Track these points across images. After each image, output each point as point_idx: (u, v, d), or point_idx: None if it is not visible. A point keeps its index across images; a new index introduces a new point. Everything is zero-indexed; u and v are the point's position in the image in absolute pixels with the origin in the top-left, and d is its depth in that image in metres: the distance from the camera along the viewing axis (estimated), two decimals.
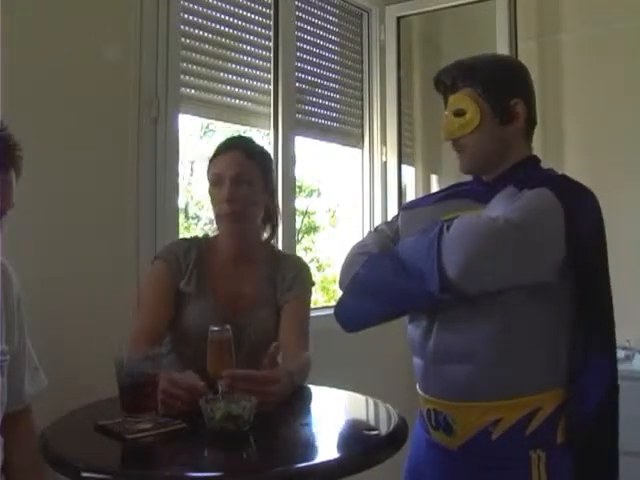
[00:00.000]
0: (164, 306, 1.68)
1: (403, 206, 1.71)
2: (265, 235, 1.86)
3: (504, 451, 1.40)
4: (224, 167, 1.73)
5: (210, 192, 1.75)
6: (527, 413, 1.39)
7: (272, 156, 2.69)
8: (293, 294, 1.77)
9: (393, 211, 3.15)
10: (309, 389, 1.63)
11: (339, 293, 1.55)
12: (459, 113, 1.48)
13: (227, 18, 2.51)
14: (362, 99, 3.27)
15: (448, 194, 1.60)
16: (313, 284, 1.85)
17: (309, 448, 1.33)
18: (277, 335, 1.74)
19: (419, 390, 1.54)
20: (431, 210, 1.56)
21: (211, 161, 1.77)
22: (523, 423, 1.39)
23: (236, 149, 1.75)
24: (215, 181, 1.73)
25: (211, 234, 1.88)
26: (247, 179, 1.72)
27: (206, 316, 1.63)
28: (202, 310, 1.68)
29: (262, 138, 2.85)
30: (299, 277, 1.80)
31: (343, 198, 3.40)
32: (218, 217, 1.75)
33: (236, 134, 2.57)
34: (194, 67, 2.37)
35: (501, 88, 1.47)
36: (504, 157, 1.49)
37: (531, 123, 1.52)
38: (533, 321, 1.39)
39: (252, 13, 2.62)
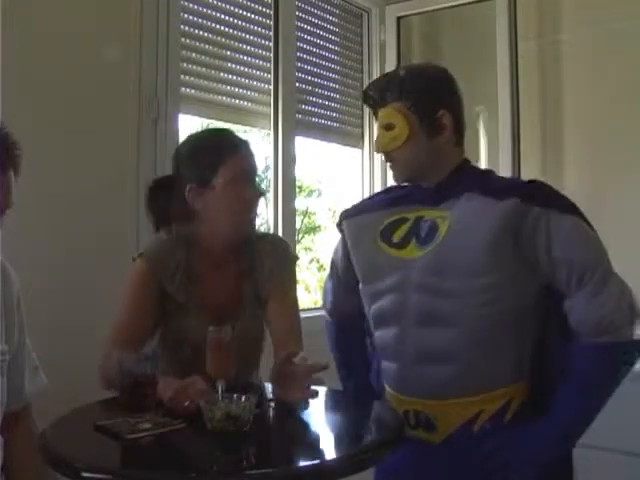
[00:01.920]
0: (145, 310, 1.59)
1: (344, 214, 1.71)
2: None
3: (485, 440, 1.45)
4: (247, 164, 1.63)
5: (234, 188, 1.59)
6: (503, 403, 1.46)
7: (272, 156, 2.71)
8: (277, 284, 1.68)
9: None
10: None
11: None
12: (389, 127, 1.52)
13: (227, 18, 2.51)
14: None
15: (393, 199, 1.63)
16: (295, 260, 1.77)
17: (309, 448, 1.33)
18: (263, 332, 1.72)
19: (392, 392, 1.57)
20: (374, 216, 1.61)
21: (229, 156, 1.60)
22: (501, 412, 1.46)
23: (246, 145, 1.66)
24: (241, 178, 1.60)
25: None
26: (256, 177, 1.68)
27: (199, 327, 1.56)
28: (195, 322, 1.61)
29: (262, 138, 2.85)
30: (279, 262, 1.70)
31: (343, 198, 3.40)
32: (238, 217, 1.62)
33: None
34: (194, 67, 2.37)
35: (428, 101, 1.51)
36: (436, 166, 1.54)
37: (459, 131, 1.56)
38: (504, 319, 1.44)
39: (252, 13, 2.62)
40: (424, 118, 1.50)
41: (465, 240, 1.45)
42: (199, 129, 2.23)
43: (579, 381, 1.39)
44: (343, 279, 1.72)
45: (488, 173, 1.61)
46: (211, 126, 2.73)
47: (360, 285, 1.64)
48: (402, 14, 3.30)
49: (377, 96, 1.55)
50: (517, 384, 1.48)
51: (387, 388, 1.59)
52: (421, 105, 1.50)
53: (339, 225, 1.71)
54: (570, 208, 1.45)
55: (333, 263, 1.77)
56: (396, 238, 1.55)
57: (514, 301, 1.44)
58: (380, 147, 1.55)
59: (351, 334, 1.75)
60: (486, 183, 1.51)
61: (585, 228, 1.45)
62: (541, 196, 1.44)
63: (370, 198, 1.80)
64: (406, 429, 1.51)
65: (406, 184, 1.62)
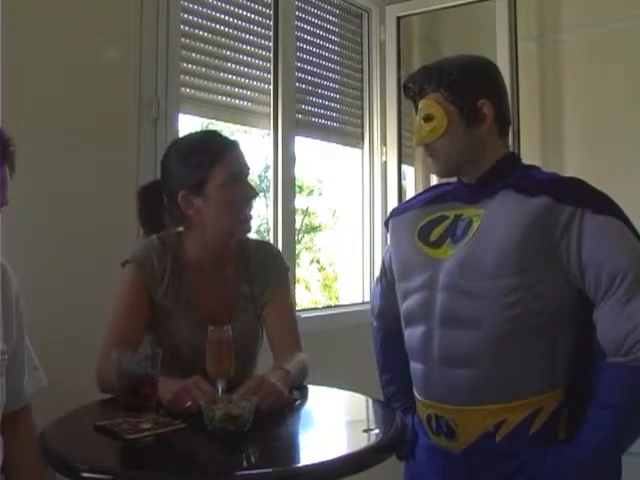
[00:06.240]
0: (138, 313, 1.61)
1: (391, 213, 1.71)
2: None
3: (508, 452, 1.40)
4: (237, 166, 1.63)
5: (227, 192, 1.60)
6: (529, 413, 1.39)
7: (272, 156, 2.71)
8: (273, 291, 1.70)
9: None
10: (308, 389, 1.63)
11: (340, 292, 1.57)
12: (428, 118, 1.48)
13: (227, 18, 2.51)
14: (362, 99, 3.27)
15: (434, 196, 1.61)
16: (288, 269, 1.79)
17: (309, 448, 1.33)
18: (259, 335, 1.72)
19: (417, 395, 1.54)
20: (416, 214, 1.59)
21: (218, 161, 1.60)
22: (526, 423, 1.39)
23: (235, 146, 1.66)
24: (232, 182, 1.61)
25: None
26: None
27: (190, 334, 1.58)
28: (185, 328, 1.61)
29: (262, 138, 2.85)
30: (274, 269, 1.73)
31: (343, 198, 3.40)
32: (232, 221, 1.63)
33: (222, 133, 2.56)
34: (194, 67, 2.37)
35: (467, 90, 1.47)
36: (478, 158, 1.49)
37: (502, 122, 1.52)
38: (533, 323, 1.38)
39: (252, 13, 2.62)
40: (464, 108, 1.46)
41: (491, 239, 1.40)
42: (197, 129, 2.23)
43: (605, 404, 1.31)
44: (392, 280, 1.65)
45: (531, 168, 1.53)
46: (211, 126, 2.73)
47: (396, 284, 1.61)
48: (402, 14, 3.30)
49: (416, 87, 1.52)
50: (548, 393, 1.40)
51: (414, 390, 1.56)
52: (460, 95, 1.46)
53: (386, 224, 1.69)
54: (608, 208, 1.38)
55: (383, 265, 1.73)
56: (433, 237, 1.51)
57: (544, 305, 1.37)
58: (420, 139, 1.51)
59: (398, 338, 1.61)
60: (522, 179, 1.45)
61: (622, 229, 1.37)
62: (575, 195, 1.38)
63: (415, 196, 1.74)
64: (429, 435, 1.52)
65: (449, 180, 1.58)
